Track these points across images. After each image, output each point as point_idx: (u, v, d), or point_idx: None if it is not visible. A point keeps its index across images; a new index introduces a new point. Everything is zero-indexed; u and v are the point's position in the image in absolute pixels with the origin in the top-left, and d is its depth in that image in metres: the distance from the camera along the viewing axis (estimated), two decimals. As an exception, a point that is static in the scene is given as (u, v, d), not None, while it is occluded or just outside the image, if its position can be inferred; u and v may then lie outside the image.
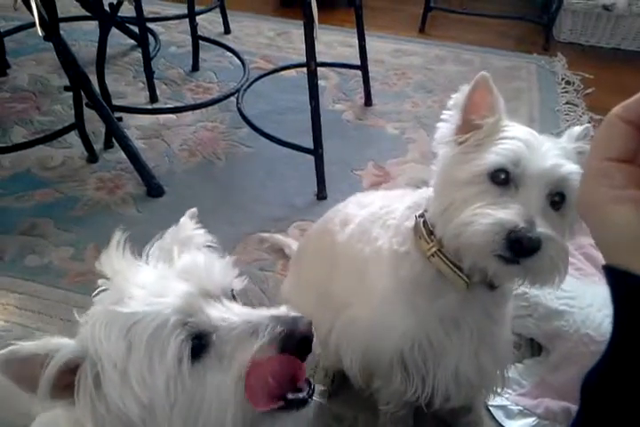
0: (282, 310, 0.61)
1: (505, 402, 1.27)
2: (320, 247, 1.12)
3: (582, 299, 1.25)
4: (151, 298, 0.57)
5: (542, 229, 0.71)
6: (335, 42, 2.59)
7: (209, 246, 0.73)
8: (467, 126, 0.82)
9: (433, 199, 0.83)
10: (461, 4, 3.03)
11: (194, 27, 2.27)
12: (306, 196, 1.76)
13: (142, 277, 0.61)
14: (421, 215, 0.87)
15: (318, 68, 1.64)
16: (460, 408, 1.12)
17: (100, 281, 0.62)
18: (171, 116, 2.07)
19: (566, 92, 2.39)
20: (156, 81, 2.15)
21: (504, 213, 0.71)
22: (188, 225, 0.75)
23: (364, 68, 2.10)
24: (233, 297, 0.65)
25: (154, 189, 1.74)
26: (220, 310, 0.60)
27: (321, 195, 1.75)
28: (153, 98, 2.15)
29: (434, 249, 0.83)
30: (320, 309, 1.04)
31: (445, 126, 0.85)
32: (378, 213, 0.99)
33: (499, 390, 1.05)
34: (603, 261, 1.07)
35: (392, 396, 1.01)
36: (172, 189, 1.77)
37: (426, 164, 1.92)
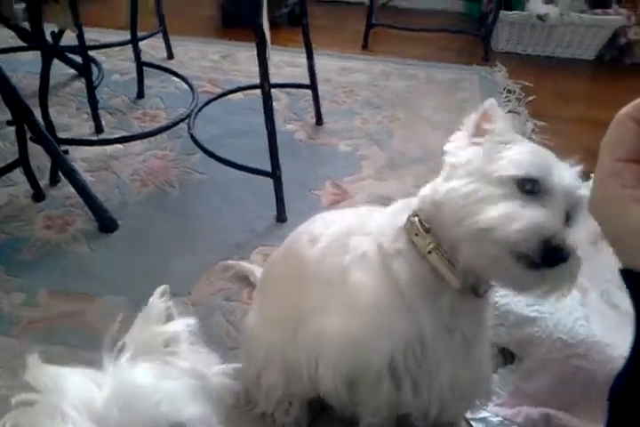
0: None
1: (484, 414, 1.26)
2: (286, 272, 1.08)
3: (552, 304, 1.26)
4: None
5: (570, 240, 0.70)
6: (282, 62, 2.59)
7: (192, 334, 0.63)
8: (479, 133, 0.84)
9: (446, 177, 0.83)
10: (402, 20, 3.09)
11: (137, 53, 2.23)
12: (265, 219, 1.74)
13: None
14: (415, 214, 0.87)
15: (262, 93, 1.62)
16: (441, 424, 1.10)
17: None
18: (118, 146, 2.01)
19: (509, 100, 2.45)
20: (100, 111, 2.09)
21: (543, 216, 0.70)
22: (158, 308, 0.62)
23: (313, 87, 2.10)
24: None
25: (106, 224, 1.68)
26: None
27: (281, 217, 1.72)
28: (98, 128, 2.09)
29: (432, 245, 0.83)
30: (292, 336, 0.99)
31: (456, 141, 0.86)
32: (353, 226, 0.97)
33: (487, 400, 1.04)
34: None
35: (378, 408, 0.97)
36: (126, 222, 1.71)
37: (382, 179, 1.93)
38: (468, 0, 3.07)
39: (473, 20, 3.08)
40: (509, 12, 2.70)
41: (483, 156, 0.80)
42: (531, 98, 2.45)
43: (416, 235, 0.85)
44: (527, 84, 2.55)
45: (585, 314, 1.25)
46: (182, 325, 0.61)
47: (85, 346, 1.31)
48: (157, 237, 1.67)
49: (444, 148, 0.87)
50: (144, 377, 0.53)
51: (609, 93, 2.58)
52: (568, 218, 0.76)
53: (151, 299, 0.63)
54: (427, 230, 0.84)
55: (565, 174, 0.76)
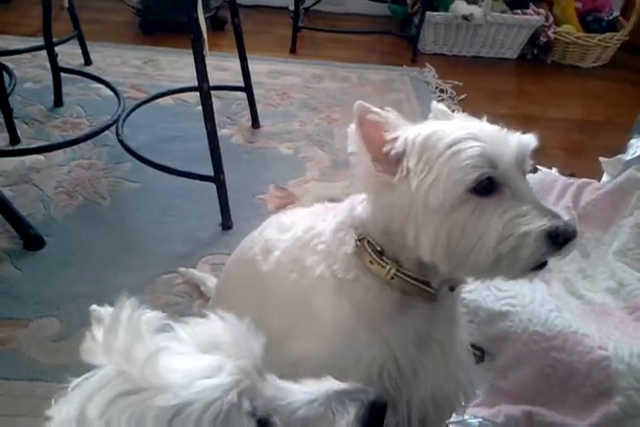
0: (338, 383, 0.52)
1: (463, 416, 1.20)
2: (242, 282, 0.99)
3: (523, 296, 1.22)
4: (197, 382, 0.44)
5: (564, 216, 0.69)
6: (208, 66, 2.45)
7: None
8: (385, 159, 0.72)
9: (403, 233, 0.74)
10: (326, 23, 3.06)
11: (53, 58, 2.06)
12: (210, 227, 1.62)
13: (172, 357, 0.47)
14: (361, 238, 0.79)
15: (197, 95, 1.52)
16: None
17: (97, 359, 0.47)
18: (38, 157, 1.83)
19: (442, 99, 2.45)
20: (15, 120, 1.91)
21: (537, 223, 0.68)
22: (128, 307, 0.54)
23: (248, 88, 2.01)
24: None
25: (32, 241, 1.51)
26: (273, 388, 0.49)
27: (226, 224, 1.62)
28: (14, 139, 1.90)
29: (393, 271, 0.77)
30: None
31: (361, 171, 0.74)
32: (303, 237, 0.88)
33: (471, 401, 0.98)
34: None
35: None
36: (54, 238, 1.55)
37: (327, 180, 1.86)
38: (393, 2, 3.08)
39: (397, 23, 3.09)
40: (435, 13, 2.72)
41: (408, 191, 0.71)
42: (462, 96, 2.46)
43: (371, 262, 0.78)
44: (457, 83, 2.58)
45: (556, 305, 1.22)
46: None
47: (18, 376, 1.16)
48: (90, 254, 1.52)
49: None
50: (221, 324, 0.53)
51: (534, 90, 2.65)
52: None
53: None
54: (380, 253, 0.77)
55: (505, 143, 0.70)
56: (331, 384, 0.52)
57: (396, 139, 0.72)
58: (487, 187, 0.69)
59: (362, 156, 0.73)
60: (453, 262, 0.72)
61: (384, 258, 0.77)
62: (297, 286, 0.86)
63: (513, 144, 0.71)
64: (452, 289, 0.82)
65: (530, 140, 0.73)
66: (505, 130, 0.73)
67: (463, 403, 0.96)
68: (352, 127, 0.73)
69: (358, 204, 0.82)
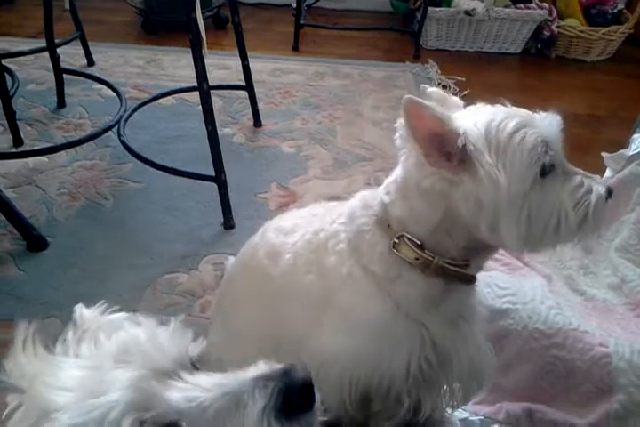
0: (263, 368, 0.49)
1: (464, 414, 1.20)
2: (250, 288, 0.98)
3: (523, 294, 1.22)
4: (86, 401, 0.43)
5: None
6: (209, 65, 2.43)
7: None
8: (439, 154, 0.73)
9: (489, 221, 0.75)
10: (329, 20, 3.06)
11: (55, 60, 2.07)
12: (212, 227, 1.63)
13: (66, 375, 0.45)
14: (399, 236, 0.80)
15: (198, 94, 1.52)
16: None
17: (9, 398, 0.46)
18: (42, 158, 1.85)
19: (445, 95, 2.44)
20: (18, 122, 1.92)
21: (597, 188, 0.77)
22: (86, 316, 0.56)
23: (249, 87, 2.01)
24: (193, 367, 0.51)
25: (35, 243, 1.52)
26: (182, 389, 0.46)
27: (228, 224, 1.62)
28: (17, 141, 1.91)
29: (440, 262, 0.79)
30: (269, 355, 0.91)
31: (412, 168, 0.77)
32: (314, 240, 0.89)
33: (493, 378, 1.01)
34: (526, 254, 1.06)
35: (395, 414, 0.92)
36: (57, 239, 1.56)
37: (329, 179, 1.86)
38: (394, -2, 3.07)
39: (399, 19, 3.08)
40: (437, 9, 2.70)
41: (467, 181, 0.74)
42: (465, 92, 2.45)
43: (416, 259, 0.79)
44: (460, 78, 2.56)
45: (556, 302, 1.22)
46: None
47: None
48: (93, 254, 1.53)
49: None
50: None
51: (538, 85, 2.63)
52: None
53: (76, 314, 0.56)
54: (421, 247, 0.79)
55: (555, 128, 0.76)
56: (249, 371, 0.49)
57: (461, 134, 0.71)
58: (548, 167, 0.74)
59: (411, 152, 0.75)
60: (532, 239, 0.75)
61: (427, 251, 0.79)
62: (315, 286, 0.87)
63: (557, 127, 0.76)
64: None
65: (559, 118, 0.77)
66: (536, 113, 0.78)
67: (491, 374, 0.98)
68: (401, 122, 0.75)
69: (378, 202, 0.84)
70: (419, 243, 0.79)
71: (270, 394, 0.45)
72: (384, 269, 0.81)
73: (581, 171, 0.79)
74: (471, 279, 0.83)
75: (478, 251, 0.81)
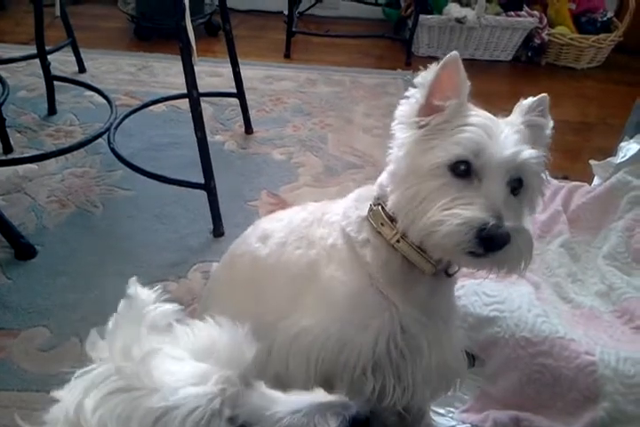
0: (325, 395, 0.54)
1: (451, 422, 1.21)
2: (236, 278, 1.01)
3: (510, 302, 1.23)
4: (185, 388, 0.47)
5: (510, 222, 0.71)
6: (201, 72, 2.47)
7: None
8: (429, 109, 0.80)
9: (394, 187, 0.81)
10: (321, 27, 3.07)
11: (46, 67, 2.07)
12: (201, 235, 1.63)
13: (166, 360, 0.50)
14: (377, 203, 0.85)
15: (189, 100, 1.52)
16: (412, 416, 1.07)
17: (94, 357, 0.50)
18: (31, 166, 1.84)
19: (436, 103, 2.45)
20: (8, 129, 1.92)
21: (471, 212, 0.71)
22: (142, 297, 0.60)
23: (240, 94, 2.01)
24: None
25: (23, 251, 1.52)
26: (258, 397, 0.51)
27: (218, 232, 1.62)
28: (7, 148, 1.91)
29: (399, 235, 0.82)
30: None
31: (407, 105, 0.82)
32: (309, 218, 0.94)
33: (464, 378, 1.02)
34: None
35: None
36: (46, 247, 1.56)
37: (320, 186, 1.86)
38: (386, 6, 3.08)
39: (391, 26, 3.09)
40: (428, 16, 2.72)
41: (417, 144, 0.79)
42: (456, 99, 2.46)
43: (382, 224, 0.84)
44: (451, 86, 2.57)
45: (543, 310, 1.22)
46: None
47: (7, 387, 1.16)
48: (82, 262, 1.52)
49: (395, 114, 0.85)
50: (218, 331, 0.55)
51: (529, 92, 2.62)
52: (516, 187, 0.77)
53: (130, 290, 0.61)
54: (392, 219, 0.83)
55: (500, 145, 0.75)
56: (316, 396, 0.54)
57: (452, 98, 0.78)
58: (463, 170, 0.74)
59: (420, 93, 0.80)
60: (404, 222, 0.79)
61: (394, 224, 0.82)
62: (302, 260, 0.90)
63: (508, 149, 0.75)
64: (447, 274, 0.87)
65: (526, 154, 0.75)
66: (518, 137, 0.77)
67: (460, 379, 0.99)
68: (434, 68, 0.80)
69: (378, 183, 0.88)
70: (390, 214, 0.83)
71: (341, 421, 0.51)
72: (356, 231, 0.86)
73: (501, 208, 0.74)
74: (431, 269, 0.83)
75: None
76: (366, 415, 0.53)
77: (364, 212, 0.87)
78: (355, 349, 0.84)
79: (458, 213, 0.72)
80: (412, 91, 0.82)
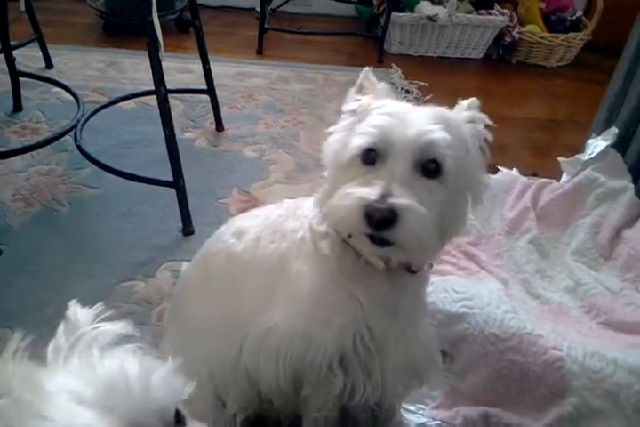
0: None
1: (422, 419, 1.21)
2: (210, 274, 0.99)
3: (479, 298, 1.23)
4: None
5: (396, 199, 0.70)
6: (171, 69, 2.44)
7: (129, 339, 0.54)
8: None
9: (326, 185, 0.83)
10: (293, 24, 3.05)
11: (11, 62, 2.02)
12: (170, 233, 1.60)
13: (49, 401, 0.43)
14: None
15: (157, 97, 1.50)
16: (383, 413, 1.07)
17: None
18: (-5, 163, 1.80)
19: (408, 100, 2.44)
20: (-29, 127, 1.87)
21: (361, 191, 0.72)
22: (81, 318, 0.54)
23: (211, 91, 1.99)
24: (177, 420, 0.49)
25: (-13, 250, 1.48)
26: None
27: (187, 230, 1.60)
28: (-30, 145, 1.87)
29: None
30: (224, 339, 0.93)
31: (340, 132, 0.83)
32: (285, 213, 0.94)
33: (438, 372, 1.03)
34: (483, 258, 1.09)
35: (326, 401, 0.91)
36: (11, 246, 1.52)
37: (292, 183, 1.85)
38: (359, 3, 3.08)
39: (363, 24, 3.09)
40: (400, 14, 2.72)
41: (337, 146, 0.81)
42: (428, 97, 2.47)
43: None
44: (422, 83, 2.58)
45: (512, 306, 1.23)
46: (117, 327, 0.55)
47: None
48: (47, 262, 1.49)
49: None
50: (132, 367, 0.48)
51: (499, 90, 2.67)
52: (431, 170, 0.74)
53: (69, 311, 0.56)
54: None
55: (406, 127, 0.73)
56: None
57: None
58: (371, 157, 0.75)
59: (347, 118, 0.82)
60: (324, 211, 0.80)
61: None
62: (275, 253, 0.90)
63: (411, 130, 0.73)
64: (409, 271, 0.84)
65: (436, 135, 0.73)
66: (427, 119, 0.75)
67: (431, 375, 0.99)
68: (352, 90, 0.85)
69: None
70: None
71: None
72: (318, 223, 0.86)
73: (396, 188, 0.73)
74: (375, 263, 0.82)
75: None
76: None
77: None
78: (320, 346, 0.84)
79: (351, 192, 0.73)
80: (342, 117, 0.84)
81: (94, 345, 0.51)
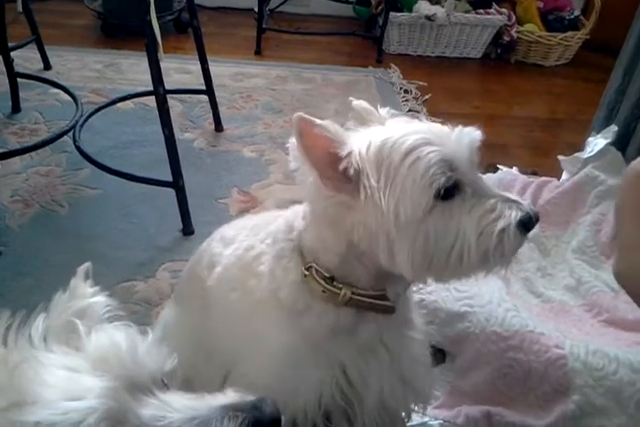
0: (231, 396, 0.49)
1: (424, 418, 1.20)
2: (191, 294, 0.98)
3: (480, 297, 1.23)
4: (63, 402, 0.42)
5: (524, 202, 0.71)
6: (170, 69, 2.44)
7: (116, 317, 0.57)
8: (336, 177, 0.67)
9: (373, 246, 0.70)
10: (292, 25, 3.05)
11: (9, 64, 2.01)
12: (170, 233, 1.60)
13: (47, 371, 0.45)
14: (308, 267, 0.75)
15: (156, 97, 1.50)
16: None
17: None
18: (-6, 165, 1.80)
19: (407, 100, 2.46)
20: (-31, 128, 1.87)
21: (510, 214, 0.68)
22: (81, 289, 0.58)
23: (210, 91, 1.99)
24: (164, 384, 0.51)
25: (-14, 251, 1.48)
26: (153, 407, 0.47)
27: (187, 230, 1.59)
28: (-31, 147, 1.86)
29: (348, 294, 0.74)
30: (207, 365, 0.90)
31: (310, 192, 0.70)
32: (243, 257, 0.85)
33: (427, 404, 0.98)
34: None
35: None
36: (10, 248, 1.52)
37: (290, 183, 1.85)
38: (357, 3, 3.08)
39: (362, 24, 3.09)
40: (399, 14, 2.72)
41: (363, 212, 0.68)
42: (427, 97, 2.47)
43: (323, 291, 0.75)
44: (421, 83, 2.58)
45: (514, 304, 1.23)
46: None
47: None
48: (47, 263, 1.48)
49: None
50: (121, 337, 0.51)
51: (498, 89, 2.67)
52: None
53: (73, 280, 0.60)
54: (331, 279, 0.75)
55: (456, 145, 0.69)
56: (222, 398, 0.49)
57: (349, 155, 0.66)
58: (450, 190, 0.67)
59: (308, 174, 0.67)
60: (433, 270, 0.69)
61: (335, 283, 0.74)
62: (239, 305, 0.84)
63: (465, 142, 0.69)
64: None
65: (476, 134, 0.71)
66: (447, 127, 0.72)
67: (415, 406, 0.95)
68: (293, 142, 0.67)
69: (297, 225, 0.78)
70: (327, 275, 0.74)
71: (239, 425, 0.46)
72: (292, 299, 0.77)
73: (502, 193, 0.70)
74: (388, 309, 0.77)
75: (390, 280, 0.75)
76: (274, 416, 0.48)
77: (296, 275, 0.77)
78: (299, 405, 0.79)
79: (500, 227, 0.67)
80: (298, 174, 0.70)
81: (85, 318, 0.54)
